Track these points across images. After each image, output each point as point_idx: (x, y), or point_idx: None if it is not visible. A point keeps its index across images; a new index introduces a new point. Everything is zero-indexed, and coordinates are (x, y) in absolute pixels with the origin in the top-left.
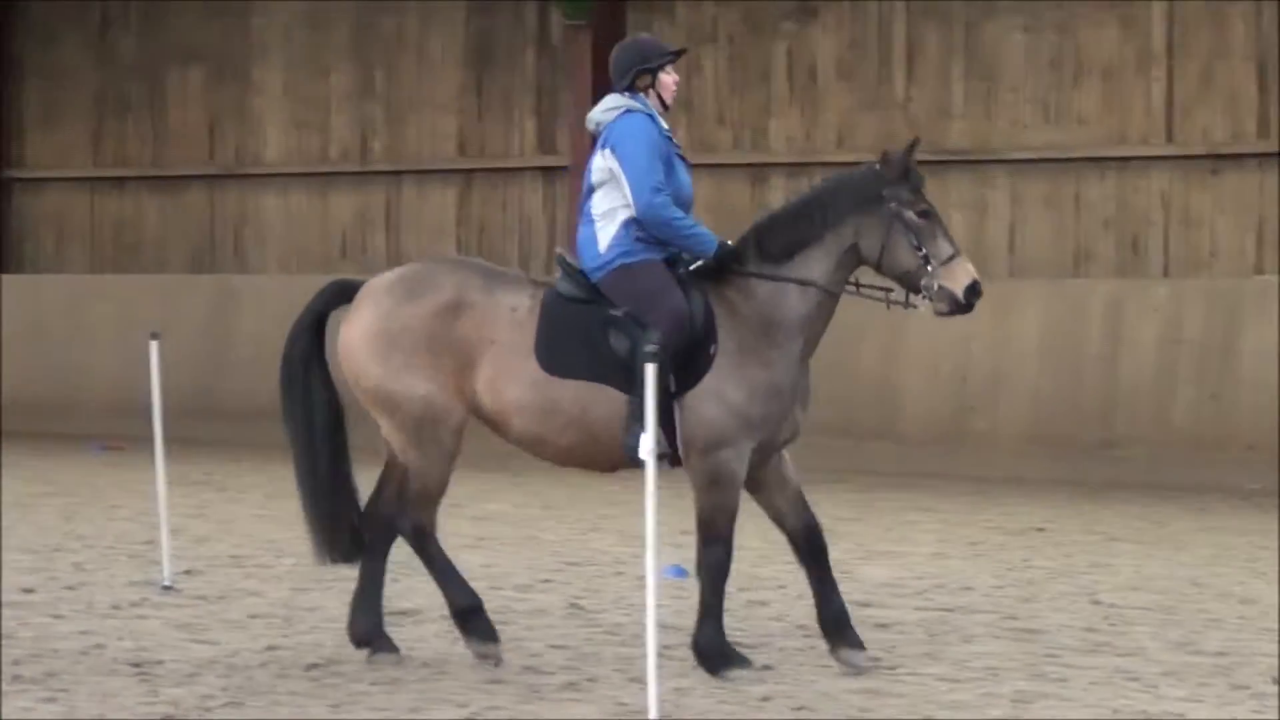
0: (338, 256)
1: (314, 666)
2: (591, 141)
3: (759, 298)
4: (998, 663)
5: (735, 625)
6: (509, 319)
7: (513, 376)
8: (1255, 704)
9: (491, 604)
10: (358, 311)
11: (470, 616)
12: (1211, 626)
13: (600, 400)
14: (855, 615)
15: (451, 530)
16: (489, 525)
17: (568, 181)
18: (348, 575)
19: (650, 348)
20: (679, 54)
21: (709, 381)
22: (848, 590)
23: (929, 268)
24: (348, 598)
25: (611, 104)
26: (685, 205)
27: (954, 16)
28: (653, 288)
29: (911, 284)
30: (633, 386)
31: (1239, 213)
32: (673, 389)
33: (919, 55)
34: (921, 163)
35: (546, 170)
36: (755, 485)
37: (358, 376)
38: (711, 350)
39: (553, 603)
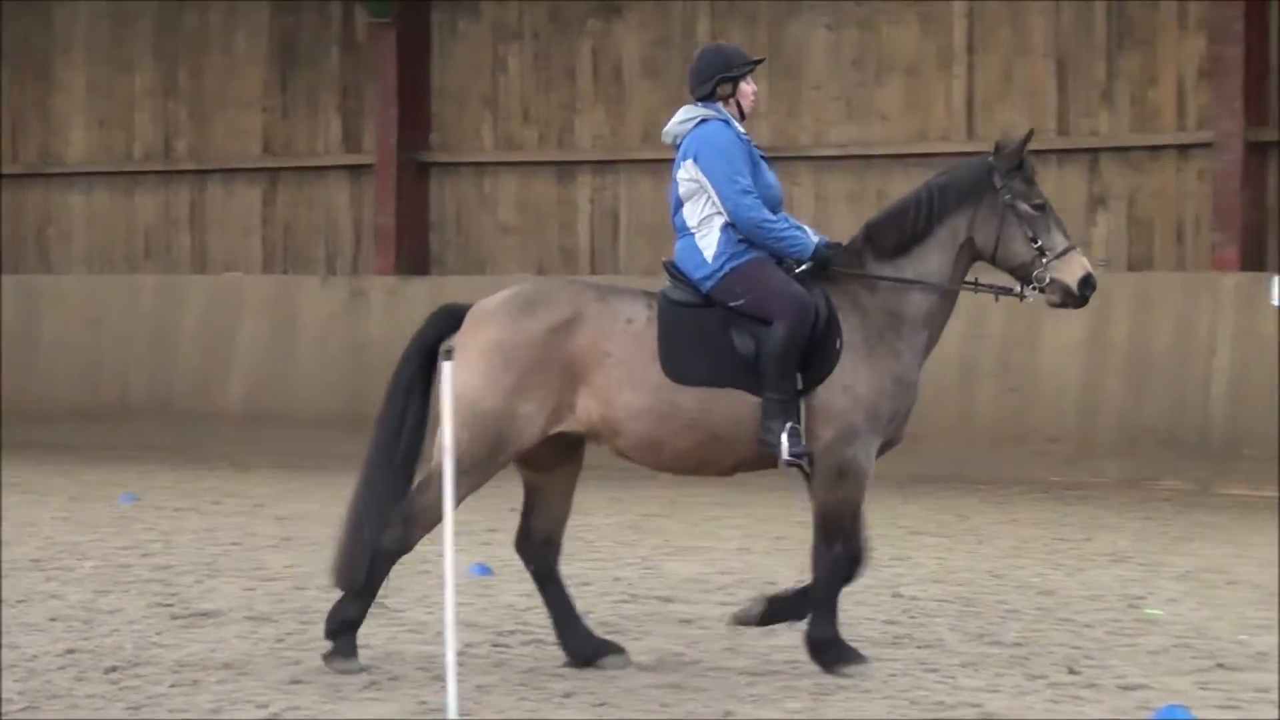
0: (142, 256)
1: (113, 669)
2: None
3: (882, 292)
4: (799, 656)
5: (541, 623)
6: (624, 330)
7: (629, 384)
8: (1051, 693)
9: (295, 604)
10: (471, 330)
11: (345, 632)
12: (1010, 618)
13: (723, 402)
14: (658, 611)
15: (253, 530)
16: (295, 525)
17: (373, 180)
18: (148, 577)
19: (783, 327)
20: (760, 62)
21: (838, 375)
22: (651, 586)
23: (1043, 259)
24: (148, 599)
25: (686, 115)
26: (775, 206)
27: (758, 14)
28: (768, 283)
29: (1025, 276)
30: (760, 386)
31: None
32: (799, 385)
33: None
34: None
35: (352, 169)
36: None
37: (457, 389)
38: (838, 345)
39: None
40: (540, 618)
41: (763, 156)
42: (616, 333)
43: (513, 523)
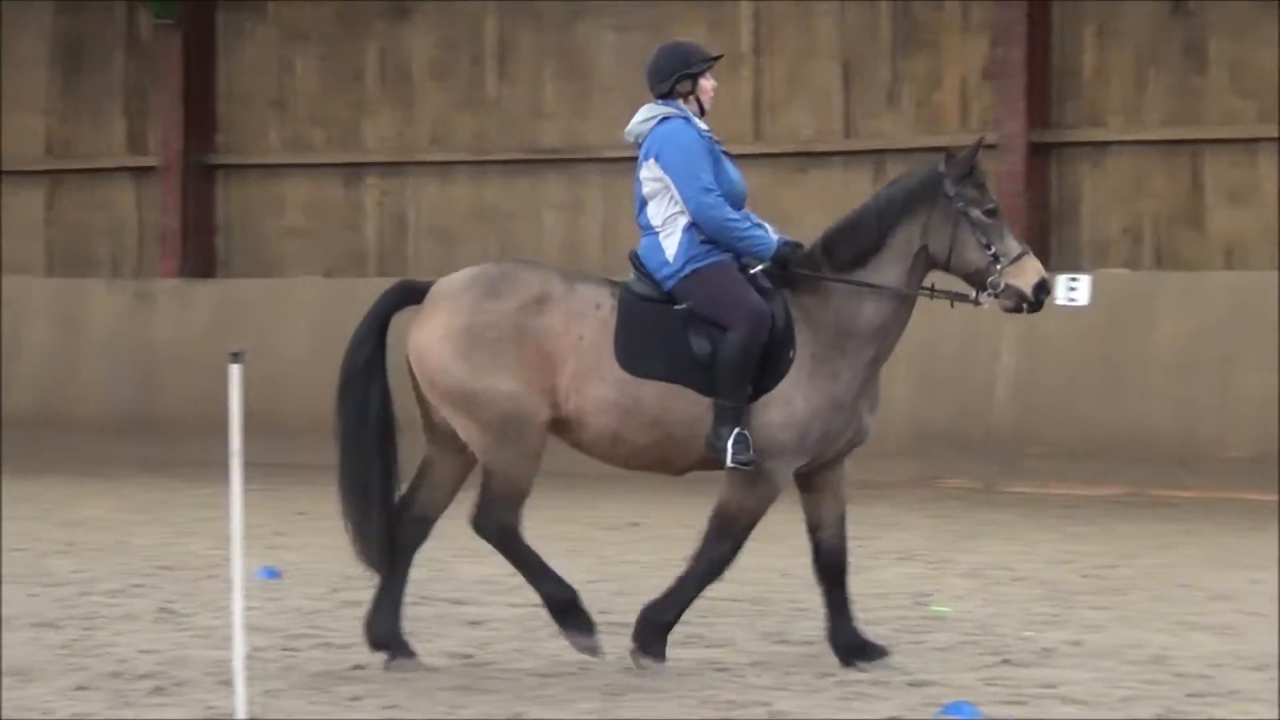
0: None
1: None
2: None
3: (834, 304)
4: (589, 657)
5: (331, 626)
6: (594, 315)
7: (596, 374)
8: (840, 691)
9: (79, 609)
10: (434, 311)
11: (568, 610)
12: (800, 616)
13: (680, 401)
14: (448, 613)
15: (38, 536)
16: (79, 530)
17: (159, 182)
18: None
19: (738, 336)
20: (719, 58)
21: (784, 387)
22: (443, 588)
23: (997, 265)
24: None
25: (647, 114)
26: (738, 202)
27: (545, 17)
28: (728, 288)
29: (979, 282)
30: (714, 389)
31: (826, 210)
32: (750, 393)
33: (511, 55)
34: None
35: (138, 171)
36: (809, 486)
37: (435, 376)
38: (790, 355)
39: (143, 607)
40: (330, 620)
41: (724, 152)
42: (588, 316)
43: (302, 527)
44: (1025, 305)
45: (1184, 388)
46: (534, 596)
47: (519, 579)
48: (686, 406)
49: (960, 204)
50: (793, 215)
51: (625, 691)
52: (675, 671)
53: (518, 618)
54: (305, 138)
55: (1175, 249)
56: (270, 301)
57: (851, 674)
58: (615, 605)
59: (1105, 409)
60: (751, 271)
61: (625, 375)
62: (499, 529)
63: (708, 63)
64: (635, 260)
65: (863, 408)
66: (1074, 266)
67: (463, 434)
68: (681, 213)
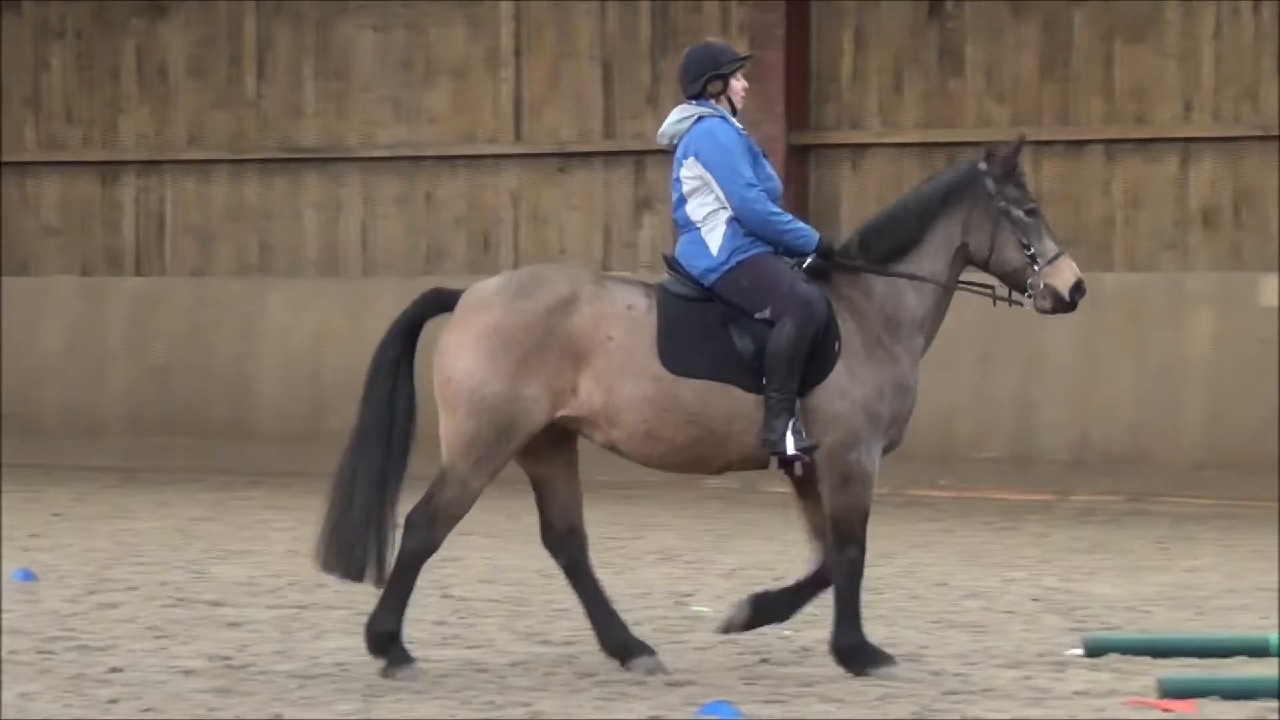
0: None
1: None
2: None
3: (877, 295)
4: (349, 659)
5: (87, 629)
6: (626, 316)
7: (631, 373)
8: (600, 691)
9: None
10: (466, 315)
11: (387, 644)
12: (560, 616)
13: (720, 398)
14: (206, 615)
15: None
16: None
17: None
18: None
19: (792, 324)
20: (749, 59)
21: (836, 379)
22: (200, 589)
23: (1035, 266)
24: None
25: (683, 114)
26: (774, 200)
27: (304, 15)
28: (776, 280)
29: (1017, 282)
30: (757, 384)
31: (587, 210)
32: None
33: (270, 54)
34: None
35: None
36: (808, 494)
37: (454, 377)
38: (835, 347)
39: None
40: (86, 623)
41: (761, 153)
42: (618, 317)
43: (58, 529)
44: (1061, 306)
45: (942, 389)
46: (295, 599)
47: (278, 580)
48: (728, 403)
49: (1001, 203)
50: (553, 215)
51: (385, 693)
52: (435, 673)
53: (278, 619)
54: (61, 136)
55: None
56: (25, 301)
57: (613, 674)
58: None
59: None
60: (792, 264)
61: (663, 373)
62: (424, 544)
63: (738, 63)
64: (672, 261)
65: None
66: None
67: (442, 430)
68: (723, 208)
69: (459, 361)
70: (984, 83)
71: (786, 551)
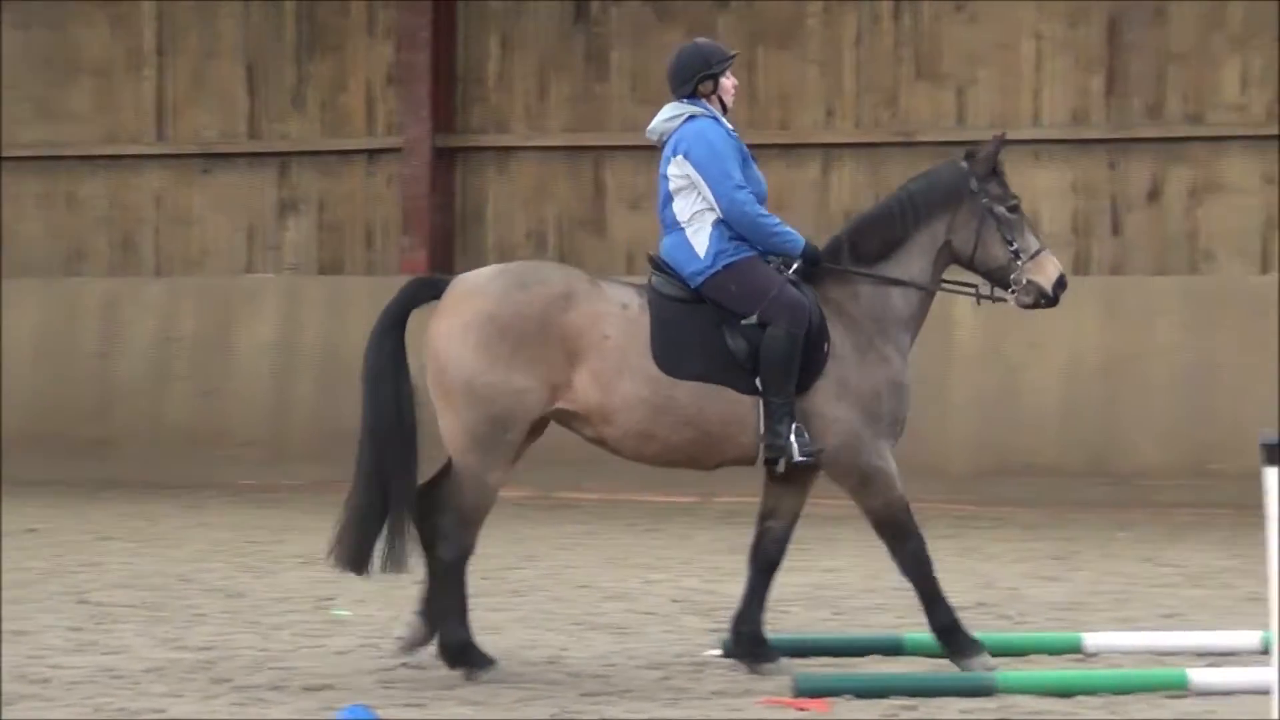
0: None
1: None
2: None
3: (864, 297)
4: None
5: None
6: (621, 315)
7: (628, 372)
8: (237, 696)
9: None
10: (459, 302)
11: (464, 653)
12: (198, 622)
13: (717, 400)
14: None
15: None
16: None
17: None
18: None
19: (784, 330)
20: (736, 56)
21: (829, 382)
22: None
23: (1019, 262)
24: None
25: (673, 112)
26: (761, 202)
27: None
28: (764, 283)
29: (1001, 278)
30: (753, 386)
31: (231, 212)
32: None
33: None
34: None
35: None
36: (780, 477)
37: (447, 366)
38: (825, 349)
39: None
40: None
41: (749, 154)
42: (614, 316)
43: None
44: (1043, 300)
45: None
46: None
47: None
48: (723, 405)
49: (985, 200)
50: (196, 217)
51: (16, 700)
52: (66, 680)
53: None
54: None
55: (579, 253)
56: None
57: (249, 679)
58: (9, 613)
59: None
60: (779, 267)
61: (659, 374)
62: (459, 551)
63: (727, 61)
64: (657, 260)
65: None
66: None
67: (444, 430)
68: (710, 209)
69: (451, 349)
70: (630, 87)
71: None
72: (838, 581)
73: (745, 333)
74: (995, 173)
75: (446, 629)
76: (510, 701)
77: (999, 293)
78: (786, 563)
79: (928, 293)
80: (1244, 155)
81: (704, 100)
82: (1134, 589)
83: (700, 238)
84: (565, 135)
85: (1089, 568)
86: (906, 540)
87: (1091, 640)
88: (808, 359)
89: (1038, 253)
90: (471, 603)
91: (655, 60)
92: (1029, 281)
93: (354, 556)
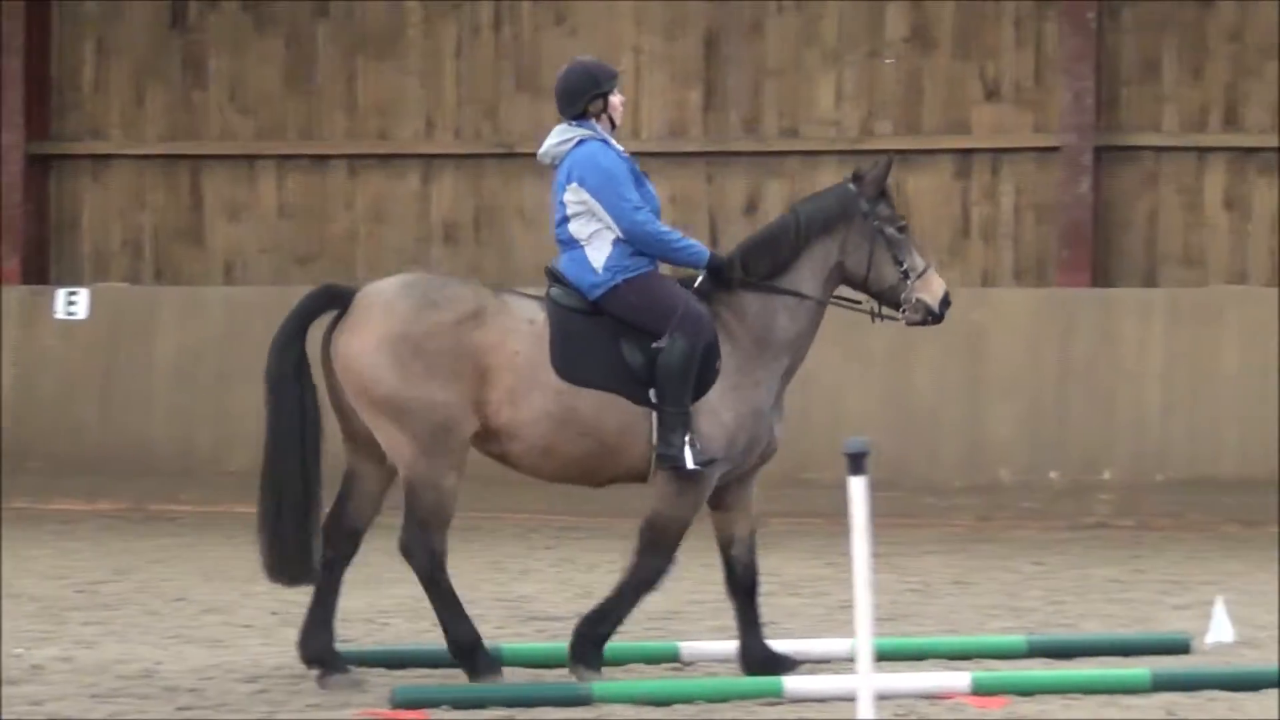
0: None
1: None
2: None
3: (749, 317)
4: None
5: None
6: (528, 330)
7: (534, 386)
8: None
9: None
10: (368, 317)
11: (473, 652)
12: None
13: (612, 410)
14: None
15: None
16: None
17: None
18: None
19: (682, 341)
20: (620, 73)
21: (711, 399)
22: None
23: (908, 281)
24: None
25: (563, 135)
26: (656, 215)
27: None
28: (664, 297)
29: (892, 298)
30: (648, 397)
31: None
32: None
33: None
34: None
35: None
36: (721, 504)
37: (367, 384)
38: (717, 365)
39: None
40: None
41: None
42: (521, 332)
43: None
44: (930, 318)
45: (183, 401)
46: None
47: None
48: (619, 415)
49: (875, 222)
50: None
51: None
52: None
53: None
54: None
55: (175, 264)
56: None
57: None
58: None
59: (105, 423)
60: (680, 281)
61: (562, 385)
62: (431, 557)
63: (614, 79)
64: (555, 274)
65: (774, 418)
66: (75, 280)
67: (386, 444)
68: (607, 228)
69: (366, 367)
70: (228, 95)
71: (23, 568)
72: None
73: (641, 344)
74: (884, 194)
75: (457, 630)
76: (101, 718)
77: (888, 312)
78: (386, 574)
79: (818, 311)
80: (839, 169)
81: (593, 120)
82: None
83: (598, 254)
84: (162, 143)
85: (686, 577)
86: (660, 556)
87: (688, 649)
88: (701, 373)
89: (924, 271)
90: (66, 616)
91: (254, 68)
92: (917, 300)
93: (295, 568)
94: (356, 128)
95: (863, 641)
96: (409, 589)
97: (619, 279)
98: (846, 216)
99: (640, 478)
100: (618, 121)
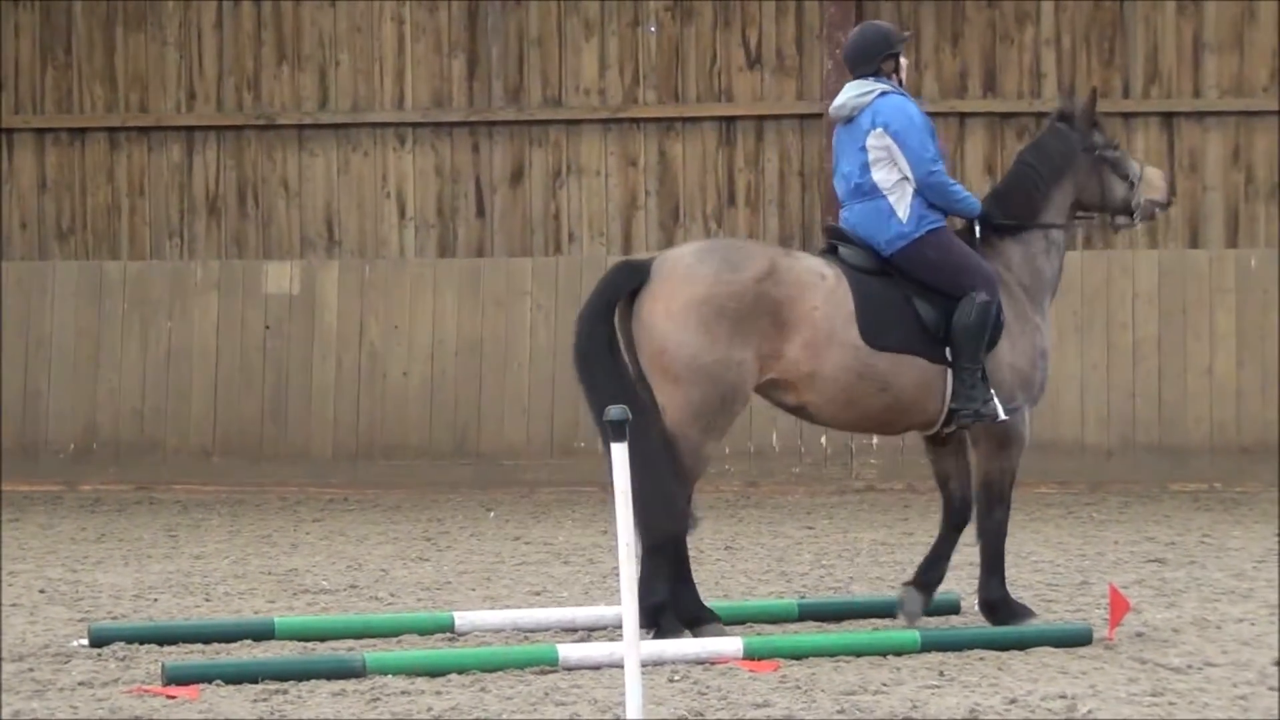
0: None
1: None
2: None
3: (1015, 265)
4: None
5: None
6: (822, 286)
7: (833, 342)
8: None
9: None
10: (669, 284)
11: (662, 613)
12: None
13: (911, 369)
14: None
15: None
16: None
17: None
18: None
19: (982, 298)
20: (911, 35)
21: (999, 349)
22: None
23: (1134, 190)
24: None
25: (863, 88)
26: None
27: None
28: (963, 254)
29: (1124, 208)
30: (942, 356)
31: None
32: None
33: None
34: None
35: None
36: (941, 441)
37: (669, 346)
38: (1002, 317)
39: None
40: None
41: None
42: (816, 287)
43: None
44: (1158, 209)
45: None
46: None
47: None
48: (917, 373)
49: (1098, 151)
50: None
51: None
52: None
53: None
54: None
55: None
56: None
57: None
58: None
59: None
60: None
61: (861, 344)
62: (677, 524)
63: (904, 41)
64: (840, 232)
65: None
66: None
67: (667, 405)
68: (906, 179)
69: (671, 331)
70: None
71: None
72: (206, 567)
73: (936, 303)
74: (1095, 124)
75: (645, 591)
76: None
77: (1122, 220)
78: (153, 550)
79: (1061, 254)
80: (602, 138)
81: (888, 77)
82: (502, 567)
83: (902, 204)
84: None
85: (457, 547)
86: (998, 508)
87: (462, 619)
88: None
89: (1141, 170)
90: None
91: (8, 41)
92: (1146, 201)
93: (671, 524)
94: (115, 100)
95: (628, 609)
96: (178, 563)
97: (923, 229)
98: (1072, 157)
99: (929, 428)
100: (905, 82)
